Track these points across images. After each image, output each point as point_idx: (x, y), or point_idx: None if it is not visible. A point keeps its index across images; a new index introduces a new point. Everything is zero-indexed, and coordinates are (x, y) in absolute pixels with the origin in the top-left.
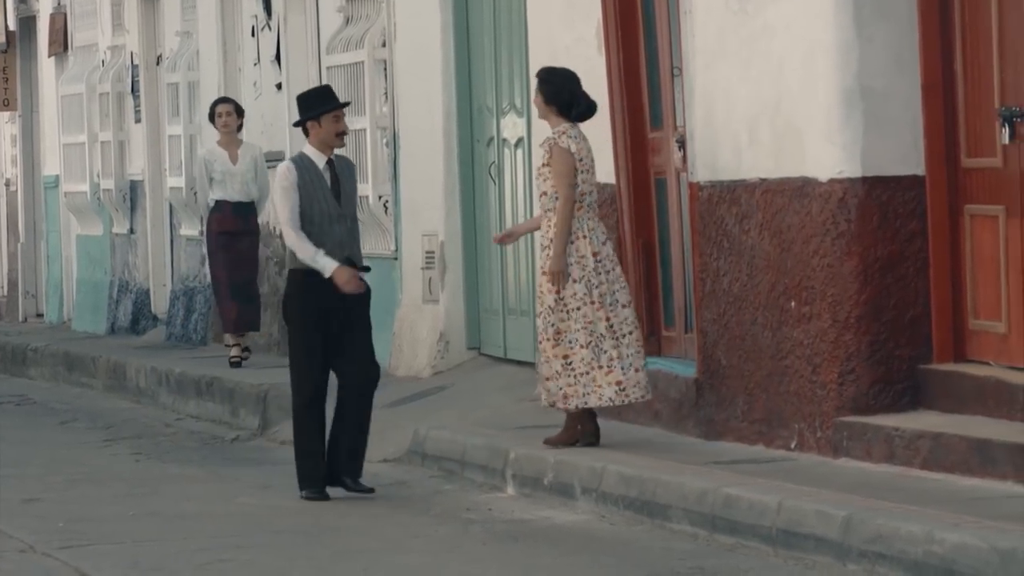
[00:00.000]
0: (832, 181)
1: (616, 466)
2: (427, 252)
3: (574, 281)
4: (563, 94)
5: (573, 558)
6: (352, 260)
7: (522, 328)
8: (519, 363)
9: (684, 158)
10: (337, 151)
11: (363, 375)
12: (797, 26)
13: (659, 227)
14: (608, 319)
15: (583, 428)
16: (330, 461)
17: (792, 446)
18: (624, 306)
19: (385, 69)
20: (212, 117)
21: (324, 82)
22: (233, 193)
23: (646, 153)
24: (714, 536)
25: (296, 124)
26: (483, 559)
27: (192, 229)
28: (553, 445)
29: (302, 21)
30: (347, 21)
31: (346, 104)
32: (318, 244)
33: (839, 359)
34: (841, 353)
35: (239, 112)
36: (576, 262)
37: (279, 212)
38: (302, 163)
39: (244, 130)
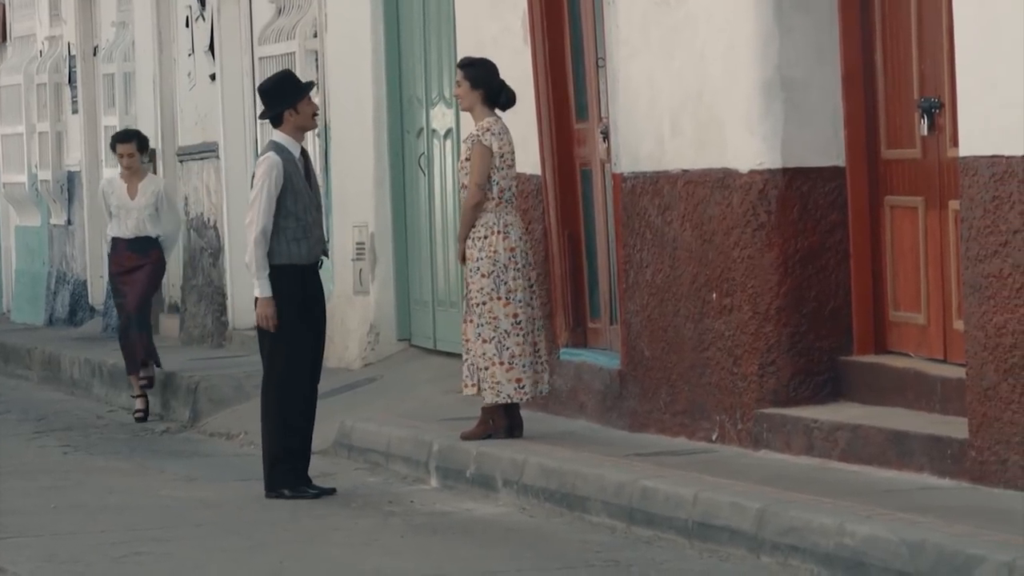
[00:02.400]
0: (752, 172)
1: (537, 458)
2: (357, 243)
3: (483, 276)
4: (491, 79)
5: (490, 551)
6: (326, 252)
7: (452, 320)
8: (448, 355)
9: (609, 149)
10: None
11: (318, 373)
12: (718, 17)
13: (585, 218)
14: (516, 315)
15: (496, 423)
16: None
17: (714, 438)
18: (529, 304)
19: (316, 60)
20: (113, 150)
21: (257, 73)
22: (126, 230)
23: (571, 144)
24: (631, 528)
25: (265, 116)
26: (400, 552)
27: None
28: (468, 439)
29: (235, 12)
30: (279, 12)
31: (312, 84)
32: (303, 238)
33: (759, 351)
34: (761, 345)
35: (142, 147)
36: (488, 256)
37: (254, 206)
38: (284, 155)
39: (178, 124)
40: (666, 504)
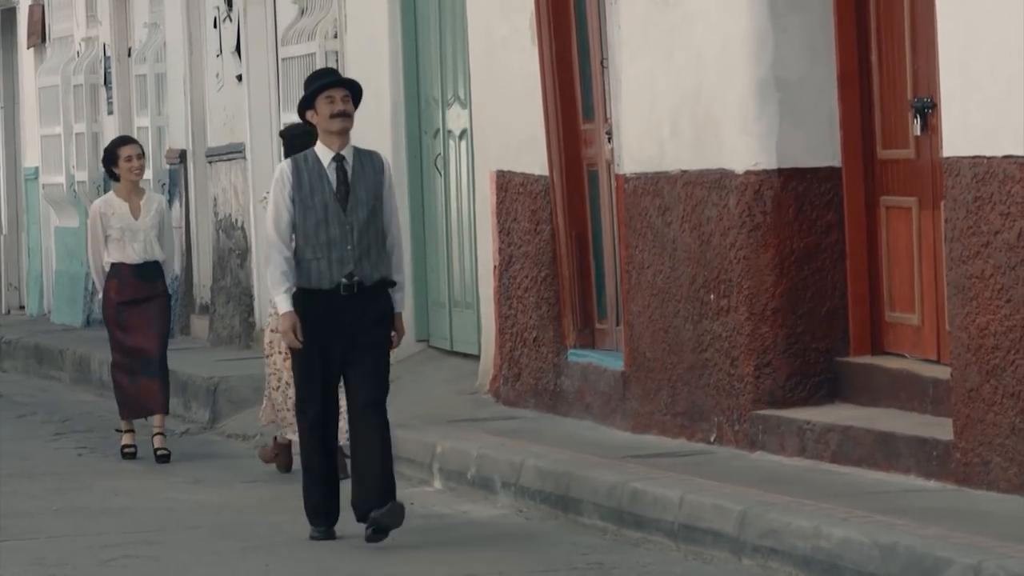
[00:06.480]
0: (748, 173)
1: (534, 460)
2: None
3: (271, 331)
4: (292, 151)
5: (478, 553)
6: (358, 279)
7: (468, 321)
8: (465, 356)
9: (613, 150)
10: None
11: (365, 399)
12: (715, 16)
13: (592, 219)
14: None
15: (281, 458)
16: (356, 495)
17: (712, 439)
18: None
19: (336, 60)
20: (112, 161)
21: (281, 74)
22: (133, 254)
23: (579, 144)
24: (622, 531)
25: (302, 120)
26: (387, 555)
27: None
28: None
29: (261, 12)
30: (302, 12)
31: (344, 82)
32: (314, 258)
33: (756, 352)
34: (758, 346)
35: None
36: (272, 313)
37: (268, 219)
38: (304, 162)
39: (207, 125)
40: (654, 506)
